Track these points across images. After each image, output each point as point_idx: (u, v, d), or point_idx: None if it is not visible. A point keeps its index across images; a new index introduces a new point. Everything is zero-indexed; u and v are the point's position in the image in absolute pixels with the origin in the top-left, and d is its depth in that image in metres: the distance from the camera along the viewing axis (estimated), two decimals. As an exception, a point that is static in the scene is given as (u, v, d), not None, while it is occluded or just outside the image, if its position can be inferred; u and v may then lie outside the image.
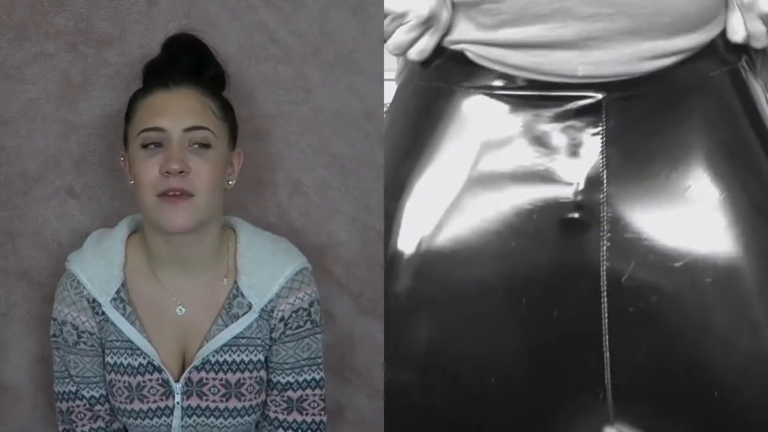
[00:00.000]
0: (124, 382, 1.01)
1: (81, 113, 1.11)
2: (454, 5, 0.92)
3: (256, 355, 1.01)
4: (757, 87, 0.96)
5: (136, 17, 1.11)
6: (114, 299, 1.00)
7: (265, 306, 1.00)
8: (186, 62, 0.99)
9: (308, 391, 1.03)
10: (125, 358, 1.00)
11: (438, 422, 0.92)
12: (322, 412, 1.04)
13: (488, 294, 0.91)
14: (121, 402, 1.01)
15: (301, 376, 1.03)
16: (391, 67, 1.06)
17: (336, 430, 1.17)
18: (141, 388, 1.00)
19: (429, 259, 0.91)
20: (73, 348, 1.01)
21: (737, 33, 0.93)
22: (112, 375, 1.01)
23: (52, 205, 1.12)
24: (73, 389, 1.02)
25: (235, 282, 1.00)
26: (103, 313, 1.00)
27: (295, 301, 1.00)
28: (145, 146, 0.95)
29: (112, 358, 1.01)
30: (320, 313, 1.03)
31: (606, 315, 0.89)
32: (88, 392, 1.02)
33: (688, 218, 0.89)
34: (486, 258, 0.91)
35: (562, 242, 0.90)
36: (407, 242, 0.92)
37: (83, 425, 1.03)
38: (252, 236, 1.04)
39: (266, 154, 1.13)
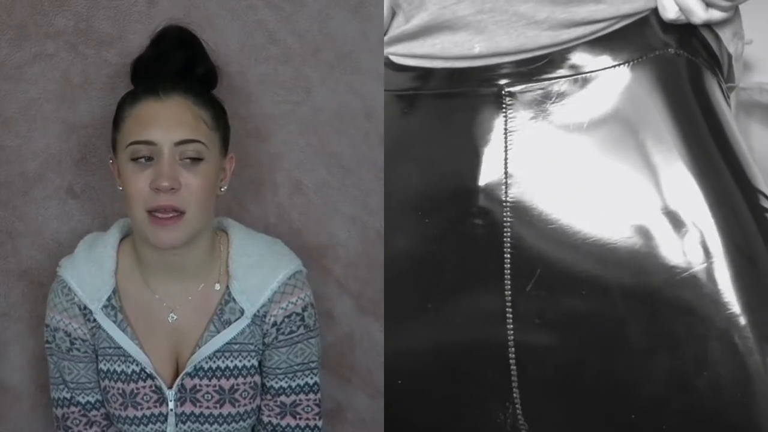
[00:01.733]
0: (118, 389, 1.00)
1: (81, 113, 1.12)
2: (393, 11, 0.95)
3: (249, 361, 1.00)
4: (713, 85, 0.87)
5: (136, 17, 1.11)
6: (105, 306, 0.99)
7: (258, 311, 0.99)
8: (176, 59, 0.97)
9: (302, 396, 1.02)
10: (118, 365, 1.00)
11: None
12: (317, 417, 1.03)
13: (399, 296, 0.90)
14: (115, 408, 1.01)
15: (294, 381, 1.02)
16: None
17: (336, 430, 1.17)
18: (134, 395, 1.00)
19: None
20: (67, 354, 1.01)
21: (668, 9, 0.84)
22: (106, 382, 1.01)
23: (52, 205, 1.13)
24: (68, 395, 1.02)
25: (227, 287, 0.99)
26: (95, 320, 1.00)
27: (287, 305, 0.99)
28: (134, 159, 0.93)
29: (105, 365, 1.01)
30: (315, 317, 1.03)
31: (510, 325, 0.84)
32: (83, 398, 1.02)
33: (598, 226, 0.83)
34: (397, 262, 0.90)
35: (467, 249, 0.86)
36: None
37: (79, 431, 1.03)
38: (244, 239, 1.02)
39: (266, 154, 1.13)
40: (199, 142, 0.94)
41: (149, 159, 0.93)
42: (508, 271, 0.85)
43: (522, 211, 0.85)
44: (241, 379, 1.00)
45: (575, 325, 0.83)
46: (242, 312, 0.99)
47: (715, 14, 0.86)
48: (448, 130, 0.89)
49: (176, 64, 0.97)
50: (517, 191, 0.85)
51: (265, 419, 1.03)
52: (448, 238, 0.87)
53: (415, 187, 0.91)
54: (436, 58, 0.90)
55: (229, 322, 0.99)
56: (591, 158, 0.84)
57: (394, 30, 0.95)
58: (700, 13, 0.84)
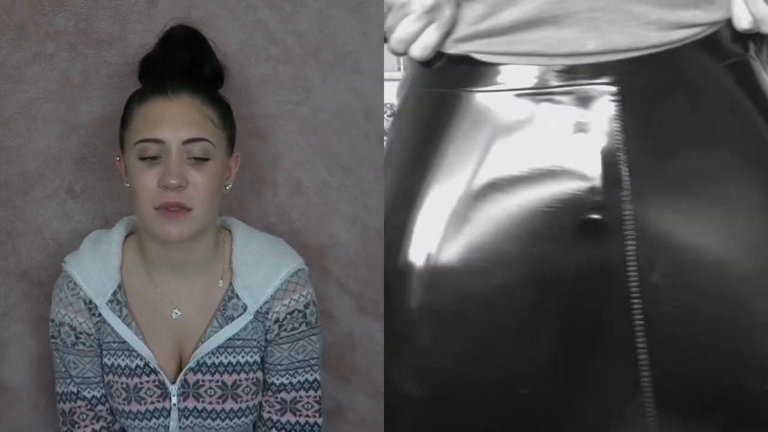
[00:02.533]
0: (122, 383, 1.01)
1: (81, 113, 1.12)
2: (458, 2, 0.90)
3: (252, 357, 1.01)
4: (765, 78, 0.93)
5: (136, 17, 1.11)
6: (110, 301, 1.00)
7: (260, 308, 1.00)
8: (183, 59, 0.98)
9: (302, 393, 1.03)
10: (122, 360, 1.01)
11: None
12: (317, 414, 1.04)
13: (512, 303, 0.88)
14: (119, 403, 1.02)
15: (295, 377, 1.03)
16: (391, 67, 1.06)
17: (336, 430, 1.18)
18: (138, 389, 1.01)
19: (444, 272, 0.89)
20: (72, 349, 1.02)
21: (742, 19, 0.89)
22: (110, 376, 1.02)
23: (52, 205, 1.13)
24: (74, 390, 1.03)
25: (231, 284, 1.01)
26: (100, 314, 1.01)
27: (290, 302, 1.01)
28: (142, 158, 0.94)
29: (109, 359, 1.02)
30: (316, 314, 1.04)
31: (639, 316, 0.86)
32: (89, 392, 1.03)
33: (716, 212, 0.86)
34: (506, 265, 0.88)
35: (585, 244, 0.87)
36: (420, 255, 0.90)
37: (85, 426, 1.04)
38: (247, 237, 1.04)
39: (266, 154, 1.13)
40: (206, 140, 0.95)
41: (157, 157, 0.94)
42: (634, 263, 0.86)
43: (643, 203, 0.86)
44: (243, 375, 1.01)
45: (704, 310, 0.85)
46: (245, 308, 1.00)
47: None
48: (557, 129, 0.89)
49: (183, 63, 0.98)
50: (635, 184, 0.87)
51: (266, 415, 1.04)
52: (566, 237, 0.87)
53: (525, 187, 0.90)
54: (536, 55, 0.89)
55: (232, 318, 1.00)
56: (700, 148, 0.88)
57: (476, 24, 0.90)
58: None
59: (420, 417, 0.91)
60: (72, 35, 1.11)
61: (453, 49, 0.92)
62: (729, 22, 0.91)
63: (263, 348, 1.02)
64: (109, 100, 1.12)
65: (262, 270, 1.01)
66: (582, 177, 0.88)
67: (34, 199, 1.13)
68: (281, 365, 1.02)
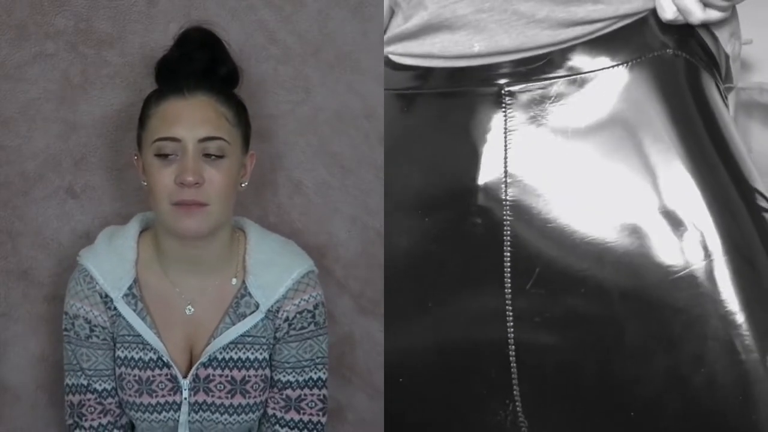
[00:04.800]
0: (134, 375, 1.04)
1: (81, 113, 1.13)
2: (392, 10, 0.96)
3: (261, 354, 1.04)
4: (711, 85, 0.88)
5: (136, 17, 1.12)
6: (126, 295, 1.02)
7: (272, 306, 1.03)
8: (199, 60, 1.01)
9: (306, 391, 1.05)
10: (136, 353, 1.03)
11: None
12: (321, 413, 1.06)
13: (399, 296, 0.91)
14: (130, 395, 1.04)
15: (301, 375, 1.05)
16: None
17: (336, 430, 1.19)
18: (150, 382, 1.03)
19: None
20: (86, 342, 1.04)
21: (666, 10, 0.86)
22: (123, 368, 1.04)
23: (52, 205, 1.14)
24: (85, 382, 1.05)
25: (244, 282, 1.03)
26: (115, 308, 1.03)
27: (300, 302, 1.03)
28: (159, 155, 0.97)
29: (122, 352, 1.04)
30: (325, 315, 1.06)
31: (511, 323, 0.86)
32: (100, 385, 1.05)
33: (597, 225, 0.84)
34: (397, 262, 0.91)
35: (466, 245, 0.88)
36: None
37: (93, 419, 1.05)
38: (260, 237, 1.06)
39: (266, 154, 1.14)
40: (221, 139, 0.98)
41: (173, 155, 0.97)
42: (508, 270, 0.86)
43: (521, 210, 0.86)
44: (252, 371, 1.04)
45: (574, 324, 0.84)
46: (257, 306, 1.03)
47: (713, 14, 0.87)
48: (448, 130, 0.91)
49: (200, 64, 1.00)
50: (516, 190, 0.87)
51: (270, 412, 1.06)
52: (448, 237, 0.89)
53: (415, 187, 0.92)
54: (435, 57, 0.92)
55: (244, 315, 1.03)
56: (589, 158, 0.86)
57: (394, 29, 0.97)
58: (698, 14, 0.86)
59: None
60: (72, 35, 1.11)
61: (386, 52, 0.98)
62: (653, 15, 0.87)
63: (272, 346, 1.05)
64: (109, 100, 1.13)
65: (274, 270, 1.03)
66: (465, 181, 0.88)
67: (34, 199, 1.13)
68: (288, 363, 1.05)
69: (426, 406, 0.91)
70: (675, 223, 0.82)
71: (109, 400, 1.06)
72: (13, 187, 1.13)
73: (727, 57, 0.93)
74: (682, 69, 0.87)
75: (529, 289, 0.85)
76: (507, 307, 0.86)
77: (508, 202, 0.87)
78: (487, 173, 0.88)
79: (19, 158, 1.13)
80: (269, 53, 1.14)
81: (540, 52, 0.87)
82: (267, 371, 1.05)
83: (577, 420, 0.85)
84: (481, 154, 0.88)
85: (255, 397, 1.05)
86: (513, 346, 0.86)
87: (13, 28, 1.11)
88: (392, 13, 1.00)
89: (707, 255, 0.81)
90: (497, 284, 0.86)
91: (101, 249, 1.05)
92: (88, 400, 1.05)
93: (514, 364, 0.86)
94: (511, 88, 0.88)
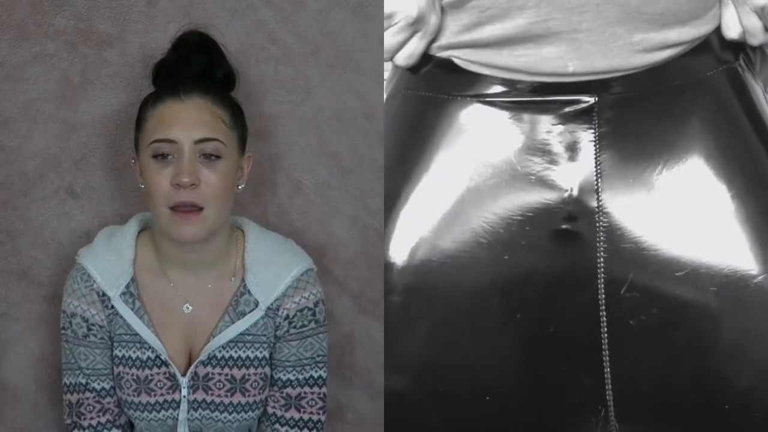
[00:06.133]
0: (132, 375, 1.04)
1: (81, 113, 1.13)
2: (443, 9, 0.92)
3: (261, 352, 1.04)
4: (756, 87, 0.94)
5: (136, 17, 1.12)
6: (123, 293, 1.03)
7: (271, 304, 1.03)
8: (196, 62, 1.02)
9: (306, 389, 1.06)
10: (133, 352, 1.04)
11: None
12: (320, 411, 1.07)
13: (482, 308, 0.90)
14: (128, 395, 1.05)
15: (302, 374, 1.06)
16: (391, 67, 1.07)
17: (336, 430, 1.19)
18: (148, 381, 1.04)
19: (420, 272, 0.91)
20: (83, 340, 1.04)
21: (732, 29, 0.91)
22: (121, 368, 1.04)
23: (52, 205, 1.14)
24: (83, 381, 1.06)
25: (243, 280, 1.04)
26: (113, 306, 1.03)
27: (300, 300, 1.04)
28: (155, 156, 0.97)
29: (120, 351, 1.04)
30: (325, 313, 1.06)
31: (605, 328, 0.87)
32: (98, 384, 1.05)
33: (688, 225, 0.87)
34: (478, 271, 0.90)
35: (557, 254, 0.89)
36: (399, 254, 0.93)
37: (91, 418, 1.06)
38: (259, 236, 1.07)
39: (266, 154, 1.14)
40: (217, 140, 0.98)
41: (169, 156, 0.97)
42: (602, 276, 0.87)
43: (614, 218, 0.88)
44: (252, 370, 1.04)
45: (670, 325, 0.87)
46: (257, 304, 1.03)
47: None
48: (535, 139, 0.91)
49: (196, 67, 1.01)
50: (608, 198, 0.88)
51: (270, 410, 1.07)
52: (539, 247, 0.89)
53: (499, 197, 0.91)
54: (519, 71, 0.91)
55: (243, 314, 1.03)
56: (678, 162, 0.89)
57: (461, 34, 0.92)
58: (761, 36, 0.91)
59: (393, 410, 0.94)
60: (72, 35, 1.12)
61: (438, 53, 0.94)
62: (716, 32, 0.92)
63: (272, 344, 1.05)
64: (109, 100, 1.13)
65: (274, 268, 1.04)
66: (556, 188, 0.89)
67: (34, 199, 1.14)
68: (289, 361, 1.05)
69: (517, 414, 0.90)
70: (758, 224, 0.87)
71: (108, 399, 1.06)
72: (13, 187, 1.13)
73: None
74: (749, 80, 0.93)
75: (624, 294, 0.87)
76: (601, 312, 0.87)
77: (601, 211, 0.88)
78: (580, 183, 0.89)
79: (19, 158, 1.13)
80: (269, 53, 1.14)
81: (631, 72, 0.89)
82: (267, 369, 1.05)
83: (670, 420, 0.87)
84: (572, 165, 0.90)
85: (255, 395, 1.05)
86: (607, 352, 0.87)
87: (13, 28, 1.11)
88: (442, 11, 0.93)
89: None
90: (591, 291, 0.87)
91: (99, 248, 1.05)
92: (87, 399, 1.05)
93: (608, 369, 0.87)
94: (602, 99, 0.89)
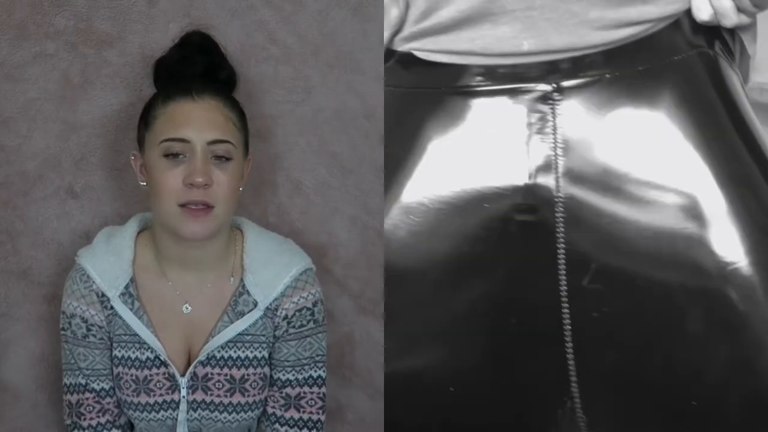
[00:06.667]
0: (132, 375, 1.04)
1: (81, 113, 1.13)
2: (407, 3, 0.91)
3: (260, 352, 1.04)
4: (732, 75, 0.91)
5: (136, 17, 1.12)
6: (122, 294, 1.03)
7: (270, 304, 1.04)
8: (199, 63, 1.02)
9: (306, 389, 1.06)
10: (133, 352, 1.04)
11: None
12: (320, 411, 1.07)
13: (444, 303, 0.90)
14: (128, 395, 1.05)
15: (301, 374, 1.06)
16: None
17: (336, 430, 1.19)
18: (148, 381, 1.04)
19: (391, 264, 0.91)
20: (83, 341, 1.04)
21: (702, 11, 0.88)
22: (120, 368, 1.05)
23: (52, 205, 1.14)
24: (83, 382, 1.06)
25: (242, 280, 1.04)
26: (112, 307, 1.04)
27: (299, 300, 1.04)
28: (166, 156, 0.98)
29: (119, 351, 1.05)
30: (324, 312, 1.07)
31: (568, 320, 0.86)
32: (98, 384, 1.06)
33: (652, 217, 0.85)
34: (439, 266, 0.89)
35: (518, 246, 0.87)
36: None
37: (91, 418, 1.06)
38: (258, 236, 1.07)
39: (266, 154, 1.15)
40: (229, 142, 1.00)
41: (180, 156, 0.98)
42: (563, 267, 0.86)
43: (574, 207, 0.86)
44: (251, 370, 1.04)
45: (634, 317, 0.85)
46: (255, 304, 1.04)
47: (744, 19, 0.89)
48: (493, 128, 0.89)
49: (200, 67, 1.02)
50: (568, 187, 0.87)
51: (269, 410, 1.07)
52: (498, 237, 0.88)
53: (457, 186, 0.90)
54: (475, 54, 0.89)
55: (242, 314, 1.03)
56: (641, 152, 0.86)
57: (418, 23, 0.92)
58: (733, 17, 0.88)
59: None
60: (72, 35, 1.12)
61: (399, 47, 0.94)
62: (688, 15, 0.89)
63: (271, 344, 1.05)
64: (109, 100, 1.13)
65: (273, 268, 1.04)
66: (515, 178, 0.88)
67: (34, 199, 1.14)
68: (288, 361, 1.05)
69: (483, 404, 0.90)
70: (731, 214, 0.84)
71: (107, 399, 1.06)
72: (13, 187, 1.14)
73: (748, 57, 0.95)
74: (720, 65, 0.89)
75: (586, 285, 0.85)
76: (563, 303, 0.86)
77: (560, 199, 0.86)
78: (537, 170, 0.87)
79: (19, 158, 1.13)
80: (269, 53, 1.14)
81: (589, 51, 0.87)
82: (266, 369, 1.06)
83: (638, 412, 0.86)
84: (529, 152, 0.88)
85: (254, 395, 1.05)
86: (570, 344, 0.86)
87: (13, 28, 1.11)
88: (407, 6, 0.93)
89: (763, 246, 0.83)
90: (552, 282, 0.86)
91: (99, 249, 1.05)
92: (87, 399, 1.06)
93: (572, 362, 0.86)
94: (560, 84, 0.88)
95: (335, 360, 1.17)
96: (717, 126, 0.87)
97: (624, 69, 0.87)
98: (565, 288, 0.86)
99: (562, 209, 0.86)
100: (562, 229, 0.86)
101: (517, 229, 0.87)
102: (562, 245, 0.86)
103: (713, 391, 0.83)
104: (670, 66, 0.87)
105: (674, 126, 0.86)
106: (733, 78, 0.90)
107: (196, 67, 1.01)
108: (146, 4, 1.13)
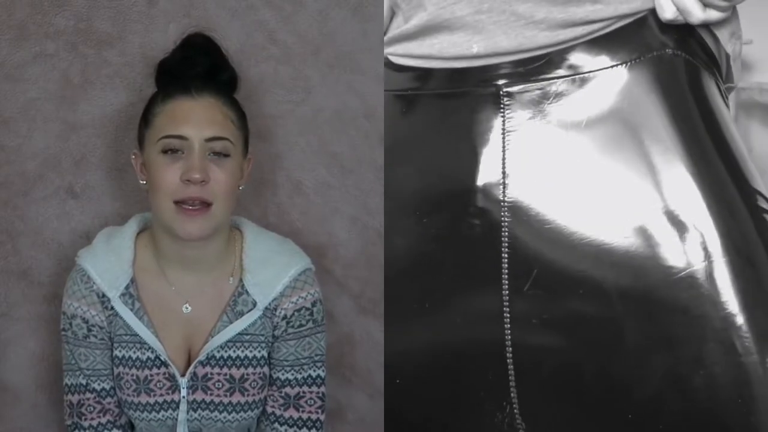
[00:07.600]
0: (132, 375, 1.05)
1: (81, 113, 1.13)
2: (393, 12, 0.96)
3: (259, 352, 1.05)
4: (709, 81, 0.88)
5: (136, 17, 1.12)
6: (123, 294, 1.04)
7: (269, 304, 1.04)
8: (202, 63, 1.03)
9: (305, 388, 1.06)
10: (133, 352, 1.04)
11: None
12: (319, 410, 1.07)
13: (398, 296, 0.91)
14: (128, 395, 1.05)
15: (300, 373, 1.06)
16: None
17: (336, 430, 1.19)
18: (148, 381, 1.04)
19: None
20: (83, 341, 1.05)
21: (666, 10, 0.85)
22: (120, 368, 1.05)
23: (52, 205, 1.14)
24: (84, 382, 1.06)
25: (241, 280, 1.05)
26: (112, 307, 1.04)
27: (297, 300, 1.04)
28: (165, 152, 0.99)
29: (120, 351, 1.05)
30: (323, 312, 1.07)
31: (508, 325, 0.85)
32: (98, 384, 1.06)
33: (596, 226, 0.84)
34: (396, 262, 0.91)
35: (465, 249, 0.88)
36: None
37: (92, 419, 1.06)
38: (258, 236, 1.08)
39: (266, 154, 1.15)
40: (227, 139, 1.00)
41: (179, 152, 0.98)
42: (506, 271, 0.86)
43: (520, 211, 0.86)
44: (251, 369, 1.05)
45: (573, 325, 0.84)
46: (255, 304, 1.04)
47: (713, 14, 0.87)
48: (447, 131, 0.91)
49: (202, 68, 1.02)
50: (514, 191, 0.87)
51: (269, 410, 1.07)
52: (447, 238, 0.89)
53: (413, 187, 0.92)
54: (434, 58, 0.92)
55: (241, 314, 1.04)
56: (589, 158, 0.86)
57: (393, 30, 0.98)
58: (698, 14, 0.85)
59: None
60: (72, 35, 1.12)
61: (385, 52, 0.98)
62: (653, 14, 0.86)
63: (270, 344, 1.06)
64: (109, 100, 1.13)
65: (272, 268, 1.05)
66: (466, 181, 0.88)
67: (34, 199, 1.14)
68: (287, 361, 1.06)
69: (424, 407, 0.91)
70: (675, 223, 0.82)
71: (108, 399, 1.06)
72: (13, 187, 1.14)
73: (727, 56, 0.92)
74: (681, 68, 0.87)
75: (527, 291, 0.85)
76: (505, 308, 0.86)
77: (506, 203, 0.87)
78: (486, 174, 0.88)
79: (19, 158, 1.13)
80: (269, 53, 1.15)
81: (539, 53, 0.87)
82: (266, 369, 1.06)
83: (575, 421, 0.85)
84: (479, 155, 0.88)
85: (254, 395, 1.06)
86: (510, 348, 0.86)
87: (13, 28, 1.11)
88: (393, 15, 1.00)
89: (707, 256, 0.81)
90: (495, 286, 0.86)
91: (99, 249, 1.06)
92: (87, 399, 1.06)
93: (512, 366, 0.86)
94: (510, 89, 0.88)
95: (335, 360, 1.17)
96: (680, 127, 0.84)
97: (577, 70, 0.86)
98: (507, 292, 0.85)
99: (508, 214, 0.86)
100: (507, 234, 0.86)
101: (465, 231, 0.88)
102: (506, 249, 0.86)
103: (648, 405, 0.81)
104: (635, 66, 0.85)
105: (626, 129, 0.84)
106: (703, 80, 0.87)
107: (197, 68, 1.02)
108: (146, 4, 1.13)
